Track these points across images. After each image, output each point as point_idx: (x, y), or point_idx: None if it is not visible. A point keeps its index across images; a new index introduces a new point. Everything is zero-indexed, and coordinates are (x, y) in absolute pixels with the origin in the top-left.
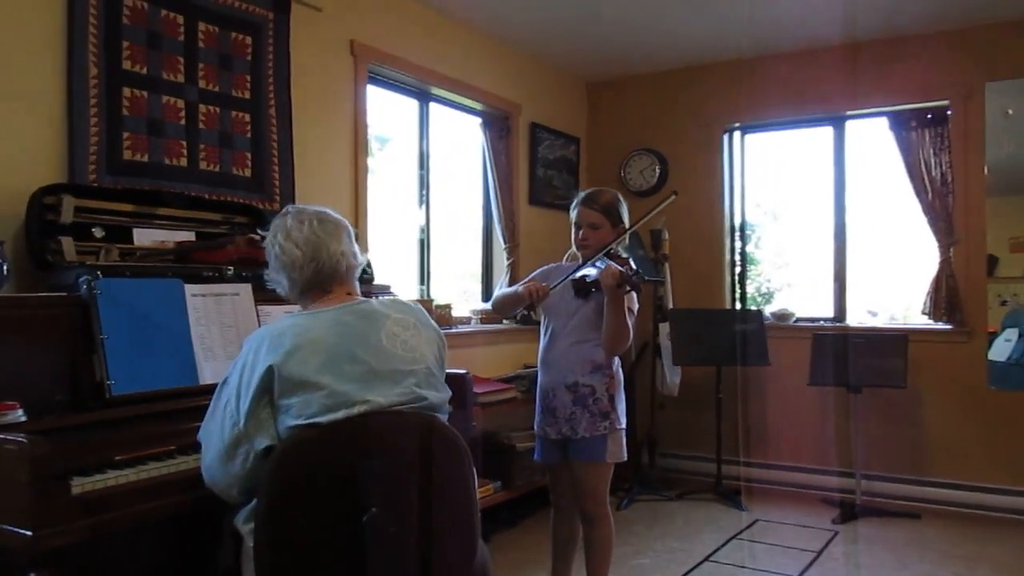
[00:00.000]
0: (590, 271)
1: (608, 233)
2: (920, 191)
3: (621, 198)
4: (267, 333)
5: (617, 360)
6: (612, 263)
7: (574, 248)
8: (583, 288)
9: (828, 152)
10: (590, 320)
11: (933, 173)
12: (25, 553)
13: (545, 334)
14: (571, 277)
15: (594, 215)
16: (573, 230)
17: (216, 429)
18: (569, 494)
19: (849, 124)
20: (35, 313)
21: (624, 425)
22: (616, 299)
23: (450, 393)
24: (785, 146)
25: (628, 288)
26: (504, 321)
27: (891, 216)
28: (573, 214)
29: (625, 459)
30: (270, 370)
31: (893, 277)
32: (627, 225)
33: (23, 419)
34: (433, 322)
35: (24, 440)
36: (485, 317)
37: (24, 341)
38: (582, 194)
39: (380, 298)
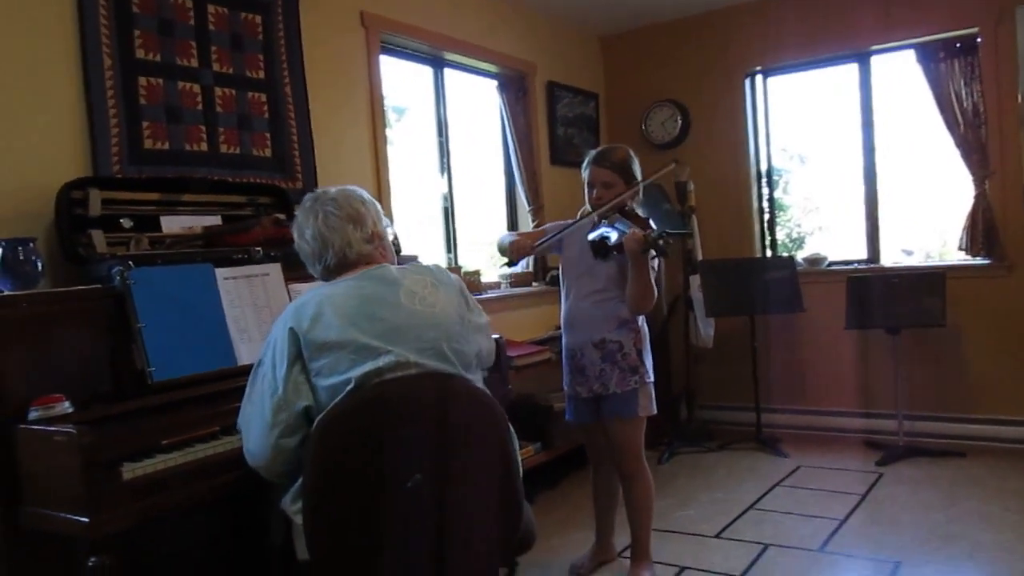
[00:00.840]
0: (610, 233)
1: (622, 191)
2: (951, 124)
3: (633, 154)
4: (290, 307)
5: (642, 315)
6: (632, 224)
7: (588, 207)
8: (604, 250)
9: (854, 90)
10: (612, 278)
11: (964, 104)
12: (84, 539)
13: (566, 295)
14: (588, 237)
15: (606, 173)
16: (586, 190)
17: (256, 406)
18: (606, 451)
19: (875, 60)
20: (72, 307)
21: (652, 379)
22: (641, 263)
23: (480, 346)
24: (809, 87)
25: (655, 254)
26: (533, 284)
27: (922, 152)
28: (585, 174)
29: (655, 412)
30: (294, 335)
31: (927, 214)
32: (640, 181)
33: (70, 410)
34: (451, 275)
35: (73, 430)
36: (515, 281)
37: (64, 335)
38: (593, 153)
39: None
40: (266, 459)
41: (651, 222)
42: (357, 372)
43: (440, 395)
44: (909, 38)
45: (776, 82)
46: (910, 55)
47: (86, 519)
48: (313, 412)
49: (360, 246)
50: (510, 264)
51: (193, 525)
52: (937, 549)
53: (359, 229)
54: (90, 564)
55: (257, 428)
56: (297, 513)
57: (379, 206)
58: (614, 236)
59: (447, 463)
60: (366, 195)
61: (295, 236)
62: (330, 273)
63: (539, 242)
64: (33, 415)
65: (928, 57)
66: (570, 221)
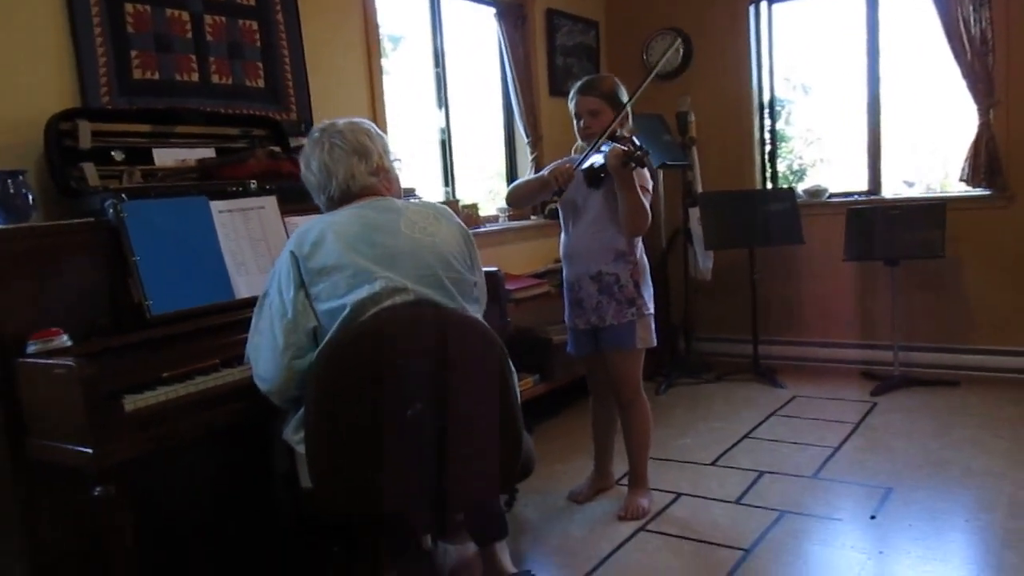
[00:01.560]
0: (597, 158)
1: (610, 118)
2: (959, 52)
3: (619, 83)
4: (293, 235)
5: (640, 247)
6: (616, 144)
7: (580, 142)
8: (594, 176)
9: (860, 18)
10: (608, 208)
11: (972, 32)
12: (89, 469)
13: (565, 228)
14: (580, 166)
15: (592, 101)
16: (574, 121)
17: (266, 332)
18: (605, 382)
19: None
20: (67, 241)
21: (652, 310)
22: (625, 179)
23: (479, 278)
24: (814, 15)
25: (633, 165)
26: (532, 217)
27: (926, 83)
28: (572, 104)
29: (655, 344)
30: (295, 259)
31: (929, 146)
32: (630, 111)
33: (68, 344)
34: (458, 219)
35: (72, 364)
36: (513, 214)
37: (59, 269)
38: (578, 83)
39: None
40: (279, 382)
41: (635, 139)
42: (353, 297)
43: (438, 325)
44: None
45: (781, 9)
46: None
47: (90, 450)
48: (320, 335)
49: (364, 179)
50: (560, 194)
51: (197, 457)
52: (929, 475)
53: (364, 162)
54: (95, 494)
55: (268, 352)
56: (299, 443)
57: (387, 140)
58: (600, 159)
59: (446, 392)
60: (374, 129)
61: (302, 166)
62: (333, 204)
63: (577, 167)
64: (32, 349)
65: None
66: (575, 156)
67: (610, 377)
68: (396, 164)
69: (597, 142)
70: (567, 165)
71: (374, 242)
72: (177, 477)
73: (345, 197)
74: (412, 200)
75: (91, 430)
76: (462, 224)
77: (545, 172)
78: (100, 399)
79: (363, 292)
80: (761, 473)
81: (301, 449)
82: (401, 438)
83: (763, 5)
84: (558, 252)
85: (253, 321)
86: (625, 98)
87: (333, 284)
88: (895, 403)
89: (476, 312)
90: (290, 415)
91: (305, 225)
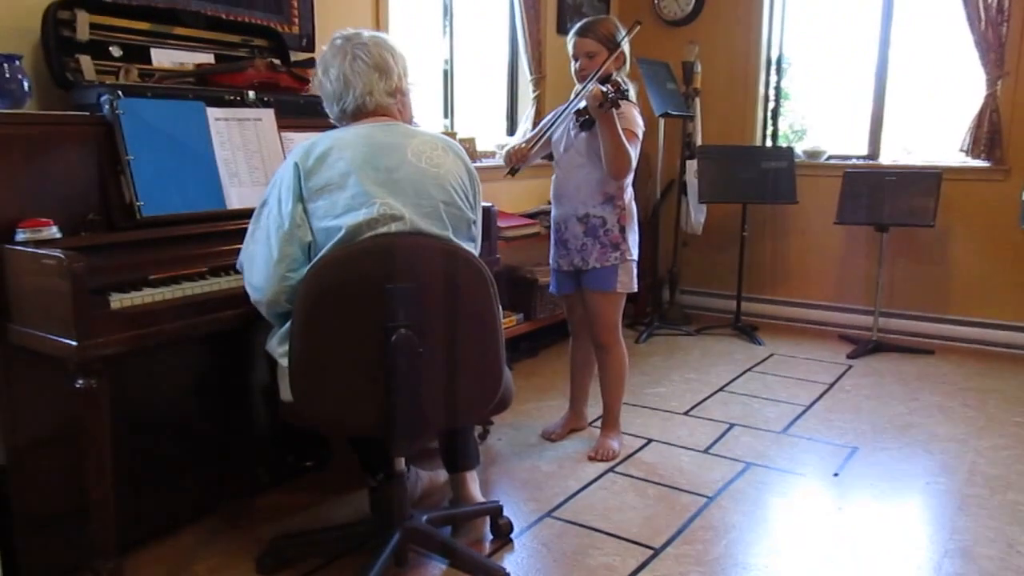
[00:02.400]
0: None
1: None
2: (973, 20)
3: (619, 25)
4: (300, 145)
5: (630, 192)
6: (599, 85)
7: (576, 83)
8: (584, 119)
9: None
10: (595, 150)
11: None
12: (72, 361)
13: (557, 167)
14: (569, 109)
15: (589, 43)
16: (572, 63)
17: (261, 242)
18: (584, 323)
19: None
20: (61, 131)
21: (636, 257)
22: (605, 119)
23: (478, 217)
24: None
25: (608, 105)
26: None
27: (936, 50)
28: (569, 46)
29: (636, 290)
30: (297, 171)
31: (933, 115)
32: (627, 54)
33: (58, 236)
34: (465, 155)
35: (61, 255)
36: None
37: (52, 159)
38: (577, 25)
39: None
40: (271, 292)
41: (621, 81)
42: (349, 220)
43: (431, 253)
44: None
45: None
46: None
47: (74, 343)
48: (314, 251)
49: (381, 97)
50: (512, 173)
51: (179, 360)
52: (894, 438)
53: (383, 80)
54: (77, 385)
55: (262, 262)
56: (283, 356)
57: (407, 62)
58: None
59: (433, 320)
60: (397, 48)
61: (319, 72)
62: (345, 117)
63: (533, 144)
64: (21, 236)
65: None
66: (559, 108)
67: (589, 319)
68: (412, 88)
69: (587, 84)
70: (523, 146)
71: (378, 165)
72: (156, 379)
73: (358, 112)
74: (419, 128)
75: (76, 323)
76: (468, 160)
77: (510, 146)
78: (87, 294)
79: (360, 215)
80: (731, 425)
81: (284, 362)
82: (384, 360)
83: None
84: (549, 193)
85: (250, 228)
86: (624, 41)
87: (331, 203)
88: (869, 367)
89: (472, 249)
90: (275, 328)
91: (312, 138)
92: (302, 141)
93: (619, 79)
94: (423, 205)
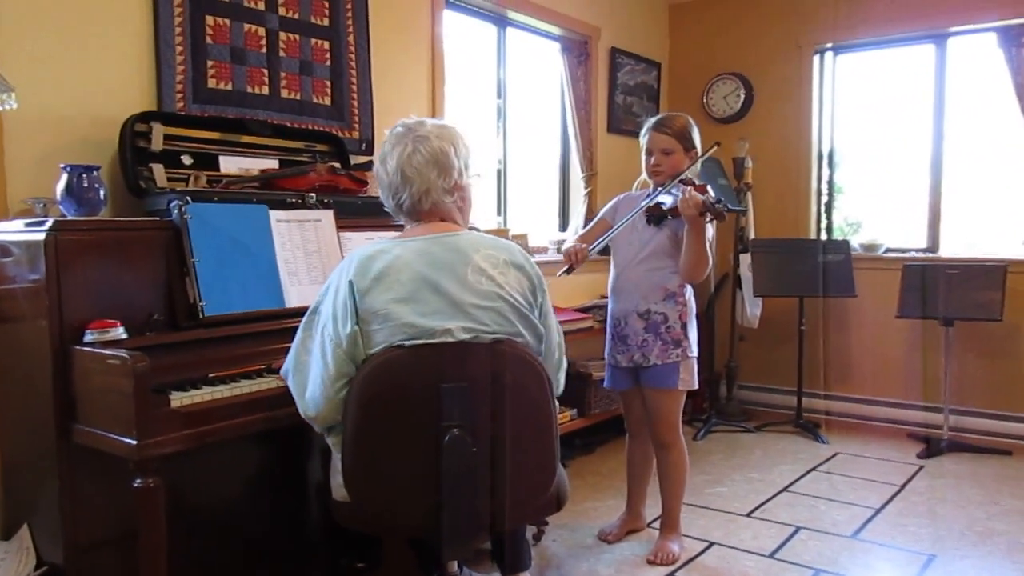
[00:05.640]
0: (666, 198)
1: (681, 159)
2: None
3: (693, 123)
4: (357, 255)
5: (689, 288)
6: (691, 190)
7: (645, 175)
8: (659, 216)
9: (928, 73)
10: (664, 247)
11: None
12: (131, 459)
13: (615, 263)
14: (643, 206)
15: (667, 140)
16: (644, 157)
17: (317, 358)
18: (643, 420)
19: (952, 41)
20: (132, 236)
21: (696, 353)
22: (697, 228)
23: (541, 330)
24: (881, 67)
25: (711, 217)
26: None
27: (992, 142)
28: (644, 140)
29: (696, 387)
30: (352, 289)
31: (992, 207)
32: (699, 151)
33: (124, 336)
34: (530, 262)
35: (126, 355)
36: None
37: (122, 263)
38: (653, 120)
39: (473, 232)
40: (326, 409)
41: (709, 188)
42: (408, 342)
43: (486, 352)
44: (992, 20)
45: (846, 60)
46: (991, 38)
47: (133, 441)
48: (361, 370)
49: (438, 195)
50: (569, 271)
51: (235, 457)
52: (974, 545)
53: (443, 177)
54: (135, 485)
55: (317, 376)
56: (336, 445)
57: (471, 152)
58: (669, 201)
59: (488, 419)
60: (463, 137)
61: (377, 161)
62: (400, 212)
63: (593, 245)
64: (89, 337)
65: (1011, 41)
66: (636, 192)
67: (648, 416)
68: (475, 179)
69: (669, 185)
70: (583, 247)
71: (438, 288)
72: (211, 474)
73: (413, 211)
74: (480, 234)
75: (137, 422)
76: (533, 269)
77: (571, 242)
78: (149, 393)
79: (419, 342)
80: (797, 528)
81: (337, 452)
82: (435, 461)
83: (828, 55)
84: (604, 288)
85: (299, 336)
86: (697, 139)
87: (390, 330)
88: (942, 468)
89: (538, 348)
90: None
91: (369, 250)
92: (360, 247)
93: (708, 187)
94: (480, 328)
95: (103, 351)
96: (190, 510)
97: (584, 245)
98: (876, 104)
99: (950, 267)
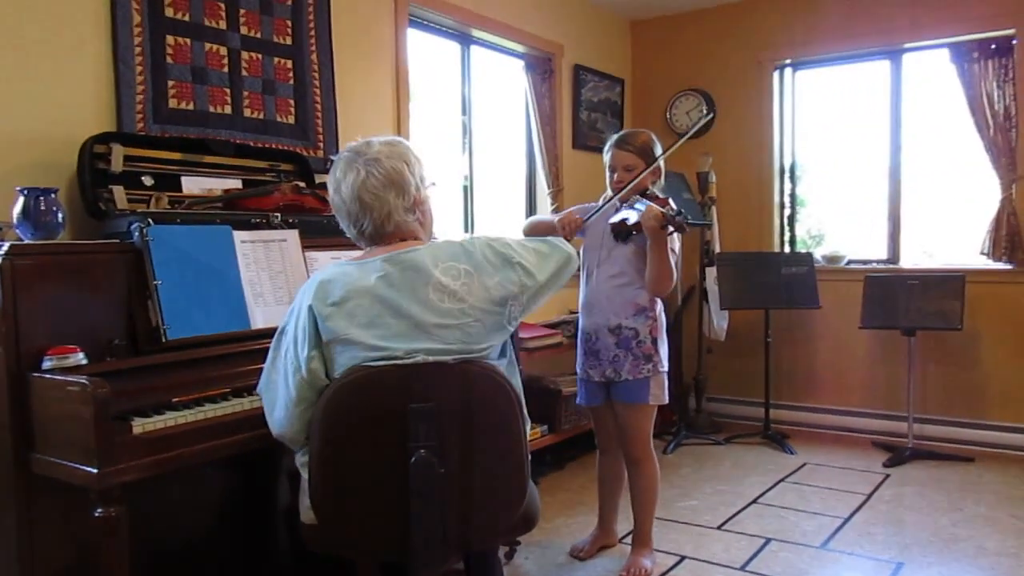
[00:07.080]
0: (630, 214)
1: (644, 175)
2: (982, 126)
3: (656, 139)
4: (317, 280)
5: (660, 303)
6: (652, 204)
7: (609, 192)
8: (623, 231)
9: (885, 88)
10: (632, 263)
11: (996, 107)
12: (92, 489)
13: (586, 279)
14: (610, 220)
15: (629, 157)
16: (608, 174)
17: (281, 380)
18: (614, 436)
19: (907, 57)
20: (91, 259)
21: (667, 368)
22: (659, 240)
23: (505, 336)
24: (839, 83)
25: (672, 229)
26: None
27: (948, 154)
28: (607, 157)
29: (667, 402)
30: (312, 316)
31: (950, 218)
32: (662, 167)
33: (84, 362)
34: (482, 246)
35: (86, 382)
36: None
37: (82, 287)
38: (615, 136)
39: (433, 243)
40: (292, 431)
41: (671, 201)
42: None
43: (458, 374)
44: (944, 36)
45: (805, 75)
46: (944, 54)
47: (94, 470)
48: (327, 390)
49: (400, 216)
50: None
51: (200, 483)
52: (940, 551)
53: (401, 197)
54: (96, 514)
55: (283, 400)
56: (304, 466)
57: (422, 163)
58: (633, 216)
59: (454, 438)
60: (412, 151)
61: (330, 189)
62: (363, 239)
63: (587, 216)
64: (47, 364)
65: (962, 57)
66: (596, 204)
67: (620, 431)
68: (431, 188)
69: (630, 198)
70: (576, 215)
71: (400, 312)
72: (178, 502)
73: (377, 235)
74: (440, 244)
75: (98, 450)
76: (501, 255)
77: (555, 216)
78: (110, 420)
79: (380, 364)
80: (768, 540)
81: (305, 473)
82: (404, 482)
83: (788, 71)
84: (572, 303)
85: (270, 354)
86: (659, 154)
87: (351, 355)
88: (907, 476)
89: (500, 362)
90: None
91: (328, 273)
92: (320, 269)
93: (670, 201)
94: (447, 349)
95: (62, 378)
96: (154, 540)
97: (578, 216)
98: (835, 118)
99: (911, 278)
